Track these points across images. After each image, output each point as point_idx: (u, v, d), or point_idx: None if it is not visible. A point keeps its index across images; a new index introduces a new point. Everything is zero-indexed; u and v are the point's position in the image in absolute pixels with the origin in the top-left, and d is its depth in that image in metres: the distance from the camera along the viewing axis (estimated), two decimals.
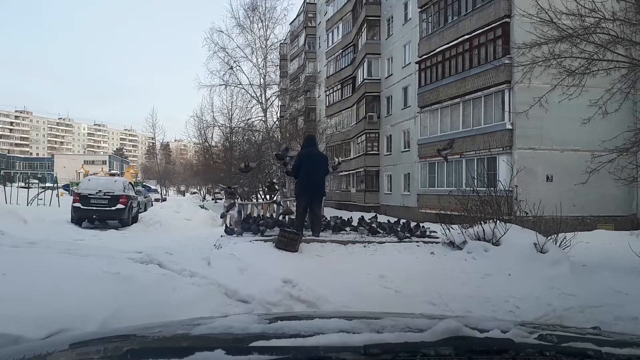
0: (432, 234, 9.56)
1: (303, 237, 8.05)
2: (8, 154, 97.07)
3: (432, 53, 22.21)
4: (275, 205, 13.05)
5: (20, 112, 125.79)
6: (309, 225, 8.90)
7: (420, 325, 1.49)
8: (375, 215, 11.31)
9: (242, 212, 11.05)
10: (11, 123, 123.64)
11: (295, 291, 4.64)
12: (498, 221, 8.26)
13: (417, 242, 8.73)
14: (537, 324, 2.11)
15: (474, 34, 19.44)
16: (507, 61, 16.73)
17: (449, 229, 8.74)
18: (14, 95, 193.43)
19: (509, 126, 17.66)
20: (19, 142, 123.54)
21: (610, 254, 9.57)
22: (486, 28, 18.77)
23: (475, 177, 14.70)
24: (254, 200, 19.88)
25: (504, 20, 17.84)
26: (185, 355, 1.06)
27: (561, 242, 8.15)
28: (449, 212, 10.60)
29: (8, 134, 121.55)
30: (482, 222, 8.51)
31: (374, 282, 6.25)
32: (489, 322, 1.49)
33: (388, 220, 10.76)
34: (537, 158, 17.36)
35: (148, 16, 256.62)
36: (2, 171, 36.34)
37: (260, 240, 8.25)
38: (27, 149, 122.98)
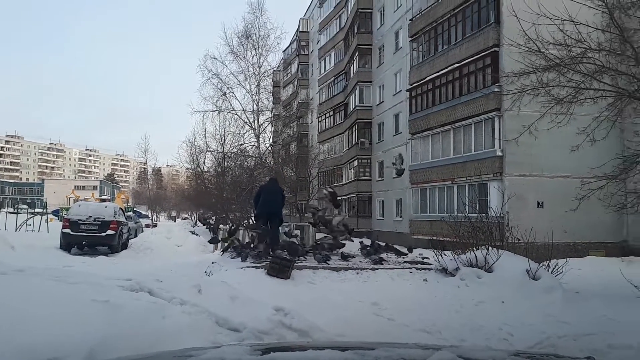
0: (425, 260, 9.54)
1: (295, 264, 8.01)
2: None
3: (422, 81, 22.52)
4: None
5: (11, 137, 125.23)
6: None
7: (414, 355, 1.48)
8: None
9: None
10: (1, 148, 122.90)
11: (288, 319, 4.58)
12: (490, 247, 8.27)
13: (410, 268, 8.71)
14: (530, 353, 2.09)
15: (463, 62, 19.77)
16: (496, 89, 16.98)
17: (441, 255, 8.73)
18: (4, 119, 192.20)
19: (499, 153, 17.83)
20: (9, 167, 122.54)
21: (603, 280, 9.57)
22: (476, 57, 19.11)
23: (467, 203, 14.73)
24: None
25: (493, 50, 18.18)
26: None
27: (553, 268, 8.15)
28: (441, 238, 10.58)
29: None
30: (474, 248, 8.52)
31: (367, 310, 6.20)
32: (482, 352, 1.48)
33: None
34: (528, 184, 17.47)
35: (143, 41, 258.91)
36: None
37: (252, 266, 8.19)
38: (17, 174, 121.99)
